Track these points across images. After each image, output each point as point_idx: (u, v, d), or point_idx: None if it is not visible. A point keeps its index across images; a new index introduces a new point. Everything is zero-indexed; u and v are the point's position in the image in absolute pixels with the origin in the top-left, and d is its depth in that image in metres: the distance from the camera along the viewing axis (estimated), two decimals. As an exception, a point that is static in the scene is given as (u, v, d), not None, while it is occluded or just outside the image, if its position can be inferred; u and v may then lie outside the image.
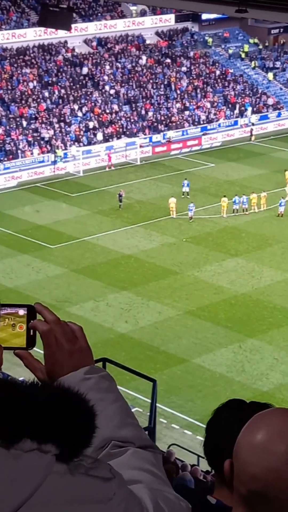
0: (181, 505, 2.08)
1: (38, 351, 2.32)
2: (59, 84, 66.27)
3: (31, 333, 2.30)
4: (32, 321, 2.30)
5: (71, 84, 66.79)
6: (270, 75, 76.04)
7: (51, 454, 1.78)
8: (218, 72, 74.27)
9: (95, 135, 62.98)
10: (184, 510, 2.08)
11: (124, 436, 2.21)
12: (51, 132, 61.52)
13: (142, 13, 74.97)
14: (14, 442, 1.76)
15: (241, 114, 70.49)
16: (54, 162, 58.70)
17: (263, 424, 2.12)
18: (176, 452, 20.03)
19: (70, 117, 63.61)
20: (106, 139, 62.78)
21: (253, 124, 68.77)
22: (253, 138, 66.50)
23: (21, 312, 2.30)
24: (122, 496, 1.87)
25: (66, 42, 69.30)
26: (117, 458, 2.16)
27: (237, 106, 71.05)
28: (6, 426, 1.76)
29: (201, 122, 68.10)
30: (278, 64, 78.06)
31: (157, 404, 15.26)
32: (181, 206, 49.06)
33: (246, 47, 78.18)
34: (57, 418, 1.79)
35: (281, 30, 78.29)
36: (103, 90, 67.49)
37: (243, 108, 71.00)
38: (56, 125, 62.31)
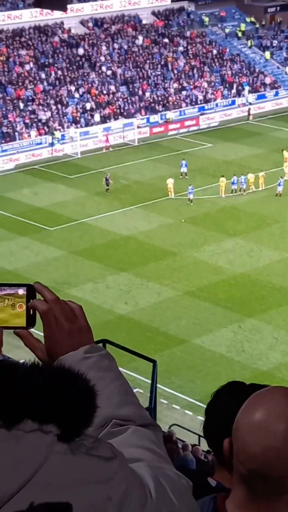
0: (182, 482, 2.08)
1: (39, 334, 2.31)
2: (56, 65, 66.04)
3: (31, 313, 2.29)
4: (31, 300, 2.29)
5: (68, 65, 66.55)
6: (267, 54, 75.78)
7: (52, 434, 1.78)
8: (215, 52, 74.00)
9: (92, 116, 62.82)
10: (185, 488, 2.08)
11: (124, 414, 2.21)
12: (48, 114, 61.36)
13: (138, -7, 74.60)
14: (16, 423, 1.76)
15: (239, 93, 70.29)
16: (52, 144, 58.57)
17: (262, 403, 2.12)
18: (177, 432, 20.12)
19: (67, 99, 63.43)
20: (103, 120, 62.63)
21: (250, 104, 68.59)
22: (251, 117, 66.37)
23: (21, 291, 2.29)
24: (123, 475, 1.87)
25: (62, 23, 69.01)
26: (118, 436, 2.16)
27: (235, 85, 70.83)
28: (7, 407, 1.76)
29: (199, 102, 67.91)
30: (275, 43, 77.76)
31: (158, 385, 15.29)
32: (179, 186, 49.02)
33: (243, 26, 77.86)
34: (58, 399, 1.79)
35: (278, 8, 78.00)
36: (100, 71, 67.27)
37: (240, 88, 70.79)
38: (53, 107, 62.14)
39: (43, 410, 1.77)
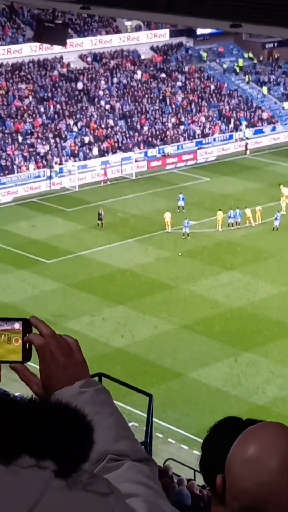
0: (177, 518, 2.08)
1: (35, 366, 2.32)
2: (55, 99, 66.41)
3: (27, 347, 2.30)
4: (27, 334, 2.30)
5: (67, 99, 66.92)
6: (265, 89, 76.28)
7: (49, 470, 1.78)
8: (212, 87, 74.48)
9: (90, 150, 63.07)
10: (181, 523, 2.08)
11: (120, 449, 2.21)
12: (47, 147, 61.60)
13: (137, 28, 75.22)
14: (13, 458, 1.76)
15: (236, 128, 70.66)
16: (50, 177, 58.74)
17: (255, 438, 2.12)
18: (173, 466, 19.98)
19: (65, 132, 63.71)
20: (101, 154, 62.88)
21: (247, 139, 68.93)
22: (248, 152, 66.65)
23: (17, 325, 2.30)
24: (119, 510, 1.87)
25: (61, 57, 69.49)
26: (114, 471, 2.16)
27: (232, 120, 71.22)
28: (5, 442, 1.76)
29: (196, 137, 68.23)
30: (272, 78, 78.32)
31: (153, 419, 15.21)
32: (176, 220, 49.11)
33: (241, 62, 78.46)
34: (56, 434, 1.79)
35: (275, 44, 78.60)
36: (99, 105, 67.64)
37: (238, 122, 71.18)
38: (52, 140, 62.40)
39: (40, 445, 1.77)
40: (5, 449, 1.75)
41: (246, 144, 67.66)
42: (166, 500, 2.13)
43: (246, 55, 79.61)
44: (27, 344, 2.30)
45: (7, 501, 1.73)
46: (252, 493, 2.07)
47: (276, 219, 49.20)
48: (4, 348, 2.27)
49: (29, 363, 2.33)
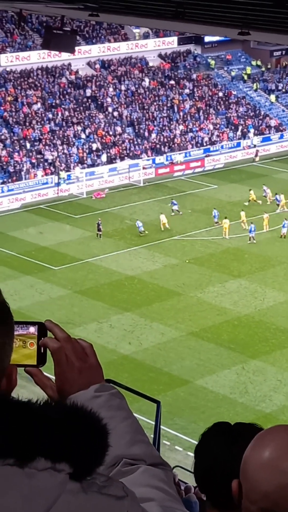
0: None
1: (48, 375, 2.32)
2: (63, 106, 66.54)
3: (42, 351, 2.30)
4: (42, 338, 2.30)
5: (75, 106, 67.05)
6: (273, 97, 76.31)
7: (64, 473, 1.77)
8: (220, 94, 74.54)
9: (98, 156, 63.15)
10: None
11: (135, 453, 2.21)
12: (55, 154, 61.70)
13: (145, 36, 75.35)
14: (28, 460, 1.75)
15: (244, 136, 70.67)
16: (58, 184, 58.82)
17: (270, 441, 2.12)
18: (180, 474, 19.95)
19: (73, 139, 63.81)
20: (109, 161, 62.96)
21: (255, 146, 68.92)
22: (257, 158, 66.62)
23: (32, 329, 2.31)
24: None
25: (69, 64, 69.64)
26: (128, 475, 2.16)
27: (240, 128, 71.25)
28: (20, 445, 1.76)
29: (204, 144, 68.26)
30: (280, 86, 78.35)
31: (161, 426, 15.20)
32: (183, 227, 49.14)
33: (249, 69, 78.51)
34: (71, 437, 1.79)
35: (283, 52, 78.69)
36: (107, 112, 67.75)
37: (245, 130, 71.20)
38: (60, 147, 62.50)
39: (56, 448, 1.77)
40: (21, 451, 1.75)
41: (257, 151, 67.64)
42: (181, 505, 2.13)
43: (254, 63, 79.67)
44: (42, 348, 2.30)
45: (22, 503, 1.72)
46: (271, 496, 2.07)
47: (283, 226, 49.16)
48: (19, 353, 2.27)
49: (42, 370, 2.33)
